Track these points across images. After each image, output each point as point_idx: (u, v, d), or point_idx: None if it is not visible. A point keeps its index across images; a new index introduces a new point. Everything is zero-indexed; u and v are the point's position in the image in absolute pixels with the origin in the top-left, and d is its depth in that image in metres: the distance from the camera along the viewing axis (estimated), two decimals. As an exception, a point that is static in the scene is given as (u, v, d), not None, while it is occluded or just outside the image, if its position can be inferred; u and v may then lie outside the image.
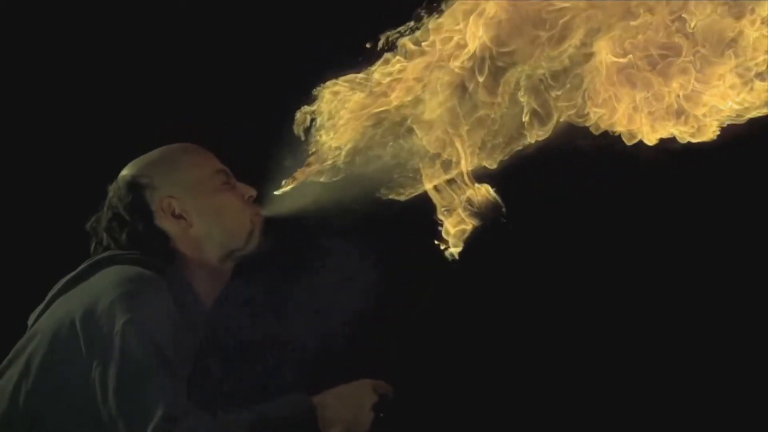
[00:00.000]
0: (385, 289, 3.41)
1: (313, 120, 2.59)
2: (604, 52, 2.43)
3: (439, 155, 2.55)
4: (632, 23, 2.41)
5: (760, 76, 2.40)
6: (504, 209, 2.55)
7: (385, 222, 2.80)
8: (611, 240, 3.65)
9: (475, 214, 2.55)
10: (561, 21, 2.42)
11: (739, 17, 2.38)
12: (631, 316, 3.67)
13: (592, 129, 2.48)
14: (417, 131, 2.55)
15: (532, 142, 2.50)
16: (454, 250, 2.54)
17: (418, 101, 2.54)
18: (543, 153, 2.53)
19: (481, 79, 2.48)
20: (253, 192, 2.65)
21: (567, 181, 3.33)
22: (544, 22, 2.43)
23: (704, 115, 2.45)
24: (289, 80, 2.90)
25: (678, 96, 2.44)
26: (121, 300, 2.34)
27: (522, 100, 2.47)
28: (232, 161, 2.68)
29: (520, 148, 2.52)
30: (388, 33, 2.54)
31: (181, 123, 3.22)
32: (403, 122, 2.56)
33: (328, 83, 2.59)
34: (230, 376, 2.63)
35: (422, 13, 2.52)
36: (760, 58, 2.39)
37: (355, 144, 2.56)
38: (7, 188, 3.72)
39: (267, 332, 3.39)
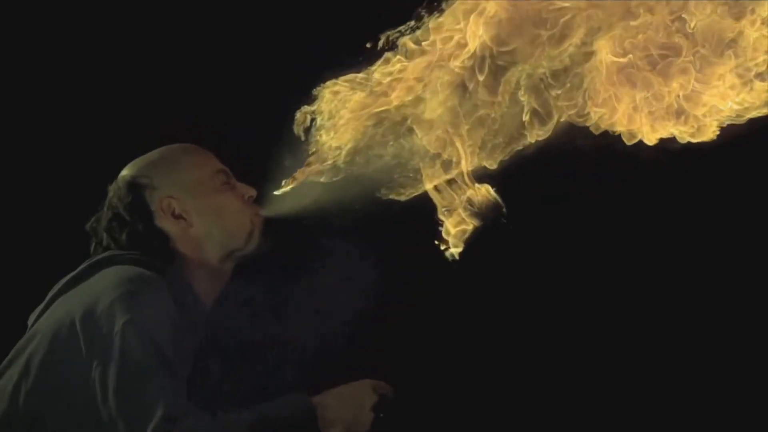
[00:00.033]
0: (385, 289, 3.42)
1: (313, 120, 2.59)
2: (605, 52, 2.43)
3: (439, 155, 2.55)
4: (632, 23, 2.41)
5: (759, 76, 2.40)
6: (504, 209, 2.55)
7: (386, 222, 2.80)
8: (611, 240, 3.65)
9: (475, 215, 2.54)
10: (561, 20, 2.42)
11: (739, 18, 2.38)
12: (632, 315, 3.67)
13: (592, 129, 2.48)
14: (417, 131, 2.55)
15: (533, 141, 2.50)
16: (454, 250, 2.54)
17: (418, 101, 2.54)
18: (543, 153, 2.53)
19: (481, 79, 2.48)
20: (253, 192, 2.65)
21: (567, 181, 3.33)
22: (544, 21, 2.43)
23: (704, 115, 2.45)
24: (289, 80, 2.90)
25: (678, 96, 2.44)
26: (121, 300, 2.34)
27: (522, 99, 2.47)
28: (232, 161, 2.68)
29: (520, 147, 2.52)
30: (389, 32, 2.54)
31: (181, 123, 3.22)
32: (404, 122, 2.56)
33: (328, 83, 2.59)
34: (230, 376, 2.63)
35: (423, 13, 2.52)
36: (760, 59, 2.39)
37: (356, 144, 2.56)
38: (7, 188, 3.72)
39: (267, 332, 3.39)
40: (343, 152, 2.57)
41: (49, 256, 3.15)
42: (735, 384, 3.62)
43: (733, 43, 2.39)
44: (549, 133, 2.49)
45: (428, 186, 2.57)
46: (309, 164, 2.60)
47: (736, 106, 2.42)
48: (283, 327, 3.45)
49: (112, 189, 2.60)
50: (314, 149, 2.60)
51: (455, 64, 2.50)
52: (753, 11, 2.37)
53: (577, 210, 3.57)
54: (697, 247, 3.63)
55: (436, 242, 2.55)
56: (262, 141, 2.71)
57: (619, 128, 2.48)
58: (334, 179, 2.59)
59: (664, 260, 3.65)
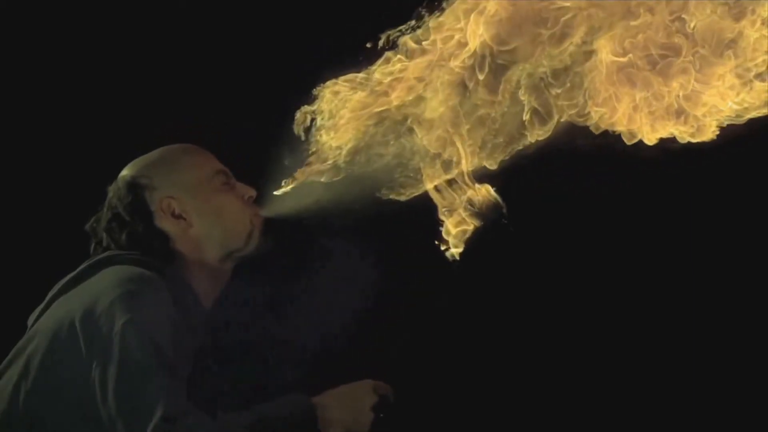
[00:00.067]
0: (385, 289, 3.42)
1: (313, 120, 2.59)
2: (605, 52, 2.43)
3: (439, 155, 2.55)
4: (632, 23, 2.41)
5: (759, 76, 2.40)
6: (505, 209, 2.55)
7: (386, 222, 2.80)
8: (611, 240, 3.65)
9: (476, 215, 2.54)
10: (562, 19, 2.42)
11: (738, 18, 2.38)
12: (632, 315, 3.67)
13: (592, 128, 2.48)
14: (417, 131, 2.55)
15: (533, 141, 2.50)
16: (454, 250, 2.54)
17: (418, 100, 2.54)
18: (543, 153, 2.53)
19: (481, 78, 2.48)
20: (252, 192, 2.65)
21: (567, 181, 3.33)
22: (545, 20, 2.43)
23: (704, 115, 2.45)
24: (289, 80, 2.90)
25: (678, 96, 2.44)
26: (121, 300, 2.34)
27: (523, 98, 2.47)
28: (232, 161, 2.68)
29: (520, 147, 2.52)
30: (389, 32, 2.54)
31: (181, 123, 3.22)
32: (404, 122, 2.55)
33: (328, 83, 2.59)
34: (230, 376, 2.63)
35: (423, 12, 2.52)
36: (760, 59, 2.39)
37: (356, 143, 2.56)
38: (7, 188, 3.72)
39: (267, 332, 3.40)
40: (344, 152, 2.57)
41: (49, 256, 3.15)
42: (735, 384, 3.62)
43: (732, 43, 2.39)
44: (549, 133, 2.49)
45: (428, 186, 2.57)
46: (309, 164, 2.60)
47: (735, 106, 2.42)
48: (283, 327, 3.45)
49: (111, 189, 2.60)
50: (314, 149, 2.60)
51: (456, 63, 2.50)
52: (753, 11, 2.37)
53: (577, 210, 3.57)
54: (697, 246, 3.63)
55: (437, 242, 2.55)
56: (262, 141, 2.70)
57: (619, 128, 2.48)
58: (335, 179, 2.58)
59: (664, 260, 3.65)
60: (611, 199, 3.50)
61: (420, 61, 2.53)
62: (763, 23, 2.38)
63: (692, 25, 2.39)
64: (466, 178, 2.55)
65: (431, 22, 2.52)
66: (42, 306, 2.51)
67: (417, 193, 2.59)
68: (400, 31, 2.54)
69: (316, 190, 2.61)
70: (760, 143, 2.79)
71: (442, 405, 3.66)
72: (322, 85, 2.59)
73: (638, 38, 2.42)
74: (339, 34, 3.17)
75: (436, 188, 2.57)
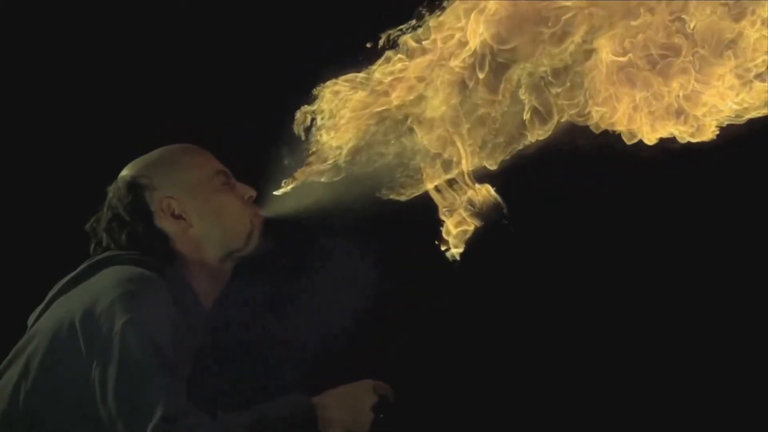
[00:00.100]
0: (385, 289, 3.42)
1: (313, 119, 2.59)
2: (605, 51, 2.43)
3: (439, 155, 2.55)
4: (633, 23, 2.41)
5: (759, 77, 2.40)
6: (505, 209, 2.55)
7: (386, 222, 2.80)
8: (611, 239, 3.65)
9: (476, 215, 2.54)
10: (562, 18, 2.42)
11: (738, 19, 2.38)
12: (632, 315, 3.67)
13: (592, 128, 2.48)
14: (417, 130, 2.54)
15: (533, 141, 2.50)
16: (455, 251, 2.54)
17: (419, 100, 2.54)
18: (543, 153, 2.53)
19: (481, 77, 2.48)
20: (252, 192, 2.65)
21: (567, 181, 3.33)
22: (545, 19, 2.43)
23: (704, 115, 2.45)
24: (289, 80, 2.90)
25: (678, 96, 2.44)
26: (121, 300, 2.34)
27: (523, 98, 2.47)
28: (232, 161, 2.68)
29: (520, 147, 2.52)
30: (390, 31, 2.54)
31: (181, 123, 3.22)
32: (404, 121, 2.55)
33: (328, 83, 2.59)
34: (230, 376, 2.63)
35: (423, 11, 2.52)
36: (760, 59, 2.39)
37: (356, 143, 2.56)
38: (7, 188, 3.72)
39: (267, 332, 3.40)
40: (344, 152, 2.57)
41: (49, 256, 3.15)
42: (735, 384, 3.62)
43: (732, 43, 2.39)
44: (549, 133, 2.49)
45: (429, 186, 2.57)
46: (309, 164, 2.60)
47: (735, 107, 2.42)
48: (283, 327, 3.45)
49: (111, 189, 2.60)
50: (314, 149, 2.60)
51: (456, 62, 2.49)
52: (753, 12, 2.38)
53: (577, 210, 3.57)
54: (697, 246, 3.63)
55: (437, 243, 2.55)
56: (262, 141, 2.70)
57: (619, 128, 2.48)
58: (335, 179, 2.58)
59: (664, 260, 3.65)
60: (611, 199, 3.50)
61: (420, 61, 2.53)
62: (763, 24, 2.38)
63: (692, 25, 2.39)
64: (467, 178, 2.55)
65: (431, 21, 2.51)
66: (42, 306, 2.51)
67: (417, 193, 2.59)
68: (401, 30, 2.54)
69: (316, 190, 2.61)
70: (760, 143, 2.79)
71: (442, 405, 3.66)
72: (322, 85, 2.59)
73: (638, 38, 2.42)
74: (339, 34, 3.17)
75: (437, 188, 2.57)
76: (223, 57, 3.70)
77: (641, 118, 2.46)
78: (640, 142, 2.48)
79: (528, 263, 3.65)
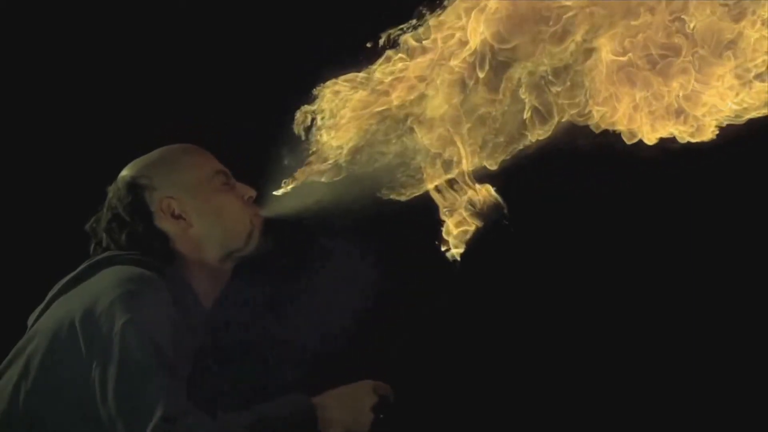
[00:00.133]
0: (385, 289, 3.42)
1: (313, 119, 2.59)
2: (605, 51, 2.43)
3: (440, 155, 2.55)
4: (633, 23, 2.41)
5: (759, 77, 2.40)
6: (506, 210, 2.55)
7: (386, 222, 2.79)
8: (612, 239, 3.65)
9: (477, 215, 2.54)
10: (563, 17, 2.42)
11: (738, 19, 2.39)
12: (632, 315, 3.67)
13: (593, 127, 2.48)
14: (418, 130, 2.54)
15: (533, 141, 2.50)
16: (455, 251, 2.54)
17: (419, 99, 2.54)
18: (543, 153, 2.53)
19: (482, 76, 2.48)
20: (252, 192, 2.65)
21: (567, 181, 3.33)
22: (546, 18, 2.43)
23: (703, 115, 2.45)
24: (289, 80, 2.90)
25: (678, 96, 2.44)
26: (121, 300, 2.34)
27: (523, 97, 2.47)
28: (232, 161, 2.68)
29: (521, 147, 2.52)
30: (390, 31, 2.54)
31: (181, 123, 3.22)
32: (405, 121, 2.55)
33: (328, 83, 2.59)
34: (230, 376, 2.63)
35: (424, 11, 2.52)
36: (759, 60, 2.39)
37: (357, 143, 2.56)
38: (7, 188, 3.72)
39: (267, 332, 3.39)
40: (344, 151, 2.57)
41: (49, 256, 3.15)
42: (735, 384, 3.62)
43: (732, 44, 2.39)
44: (550, 132, 2.49)
45: (429, 186, 2.57)
46: (309, 164, 2.60)
47: (735, 107, 2.42)
48: (283, 327, 3.45)
49: (111, 189, 2.60)
50: (315, 149, 2.60)
51: (456, 62, 2.49)
52: (754, 12, 2.38)
53: (578, 210, 3.57)
54: (697, 246, 3.63)
55: (437, 243, 2.55)
56: (262, 141, 2.70)
57: (619, 127, 2.48)
58: (335, 179, 2.58)
59: (664, 260, 3.65)
60: (611, 199, 3.50)
61: (421, 60, 2.53)
62: (763, 24, 2.38)
63: (692, 25, 2.40)
64: (467, 178, 2.55)
65: (432, 20, 2.51)
66: (42, 306, 2.51)
67: (417, 193, 2.58)
68: (401, 29, 2.54)
69: (317, 190, 2.61)
70: (760, 143, 2.79)
71: (442, 405, 3.66)
72: (322, 84, 2.59)
73: (638, 38, 2.42)
74: (339, 34, 3.17)
75: (437, 188, 2.57)
76: (223, 57, 3.70)
77: (641, 118, 2.46)
78: (640, 141, 2.49)
79: (528, 263, 3.65)
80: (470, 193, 2.55)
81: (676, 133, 2.47)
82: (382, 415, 2.49)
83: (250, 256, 2.61)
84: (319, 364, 3.41)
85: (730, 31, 2.38)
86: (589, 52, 2.45)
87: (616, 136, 2.50)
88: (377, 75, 2.55)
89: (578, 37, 2.43)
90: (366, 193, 2.58)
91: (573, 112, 2.47)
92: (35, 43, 3.74)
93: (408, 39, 2.53)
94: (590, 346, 3.66)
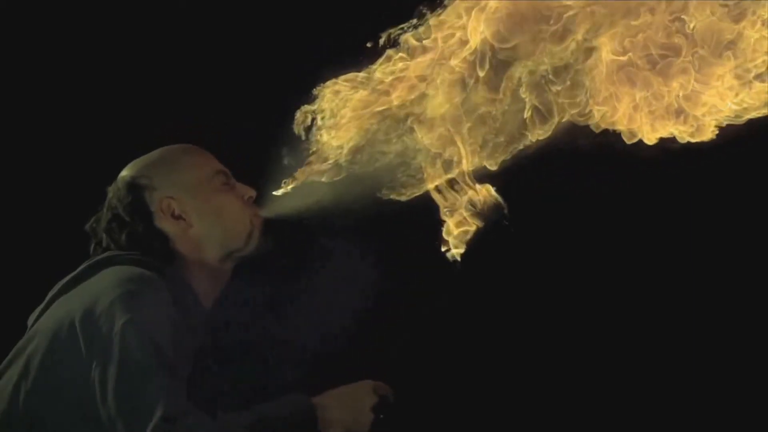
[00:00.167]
0: (385, 289, 3.42)
1: (313, 119, 2.59)
2: (605, 50, 2.43)
3: (440, 155, 2.55)
4: (633, 22, 2.41)
5: (759, 77, 2.40)
6: (506, 210, 2.55)
7: (387, 222, 2.79)
8: (612, 239, 3.65)
9: (477, 215, 2.54)
10: (564, 16, 2.42)
11: (738, 19, 2.39)
12: (632, 315, 3.67)
13: (593, 127, 2.49)
14: (418, 130, 2.54)
15: (534, 140, 2.50)
16: (455, 251, 2.54)
17: (420, 99, 2.54)
18: (544, 153, 2.53)
19: (482, 75, 2.48)
20: (252, 192, 2.65)
21: (567, 181, 3.33)
22: (546, 17, 2.43)
23: (703, 115, 2.45)
24: (289, 80, 2.90)
25: (678, 96, 2.44)
26: (121, 300, 2.34)
27: (524, 96, 2.47)
28: (232, 161, 2.68)
29: (521, 147, 2.52)
30: (391, 30, 2.54)
31: (181, 123, 3.22)
32: (405, 120, 2.55)
33: (328, 82, 2.59)
34: (230, 376, 2.63)
35: (424, 10, 2.52)
36: (759, 60, 2.39)
37: (357, 143, 2.56)
38: (7, 188, 3.72)
39: (267, 332, 3.39)
40: (345, 151, 2.57)
41: (49, 256, 3.15)
42: (735, 384, 3.62)
43: (732, 44, 2.39)
44: (550, 132, 2.48)
45: (429, 186, 2.57)
46: (310, 164, 2.60)
47: (735, 107, 2.42)
48: (283, 327, 3.45)
49: (111, 190, 2.60)
50: (315, 149, 2.59)
51: (457, 61, 2.49)
52: (754, 12, 2.38)
53: (578, 210, 3.57)
54: (697, 246, 3.63)
55: (437, 243, 2.55)
56: (262, 141, 2.70)
57: (619, 127, 2.48)
58: (335, 179, 2.58)
59: (664, 260, 3.65)
60: (611, 199, 3.50)
61: (421, 60, 2.53)
62: (763, 24, 2.38)
63: (692, 25, 2.40)
64: (467, 178, 2.55)
65: (432, 19, 2.51)
66: (42, 306, 2.51)
67: (418, 193, 2.58)
68: (402, 29, 2.54)
69: (317, 190, 2.61)
70: (760, 143, 2.79)
71: (442, 405, 3.66)
72: (322, 84, 2.59)
73: (638, 38, 2.42)
74: (339, 33, 3.17)
75: (437, 188, 2.57)
76: (223, 57, 3.69)
77: (641, 118, 2.46)
78: (640, 141, 2.49)
79: (528, 263, 3.65)
80: (470, 193, 2.55)
81: (676, 133, 2.47)
82: (382, 415, 2.49)
83: (250, 256, 2.61)
84: (319, 364, 3.41)
85: (730, 31, 2.38)
86: (590, 51, 2.45)
87: (616, 135, 2.50)
88: (377, 74, 2.55)
89: (579, 36, 2.43)
90: (366, 193, 2.58)
91: (573, 111, 2.47)
92: (35, 43, 3.74)
93: (408, 38, 2.53)
94: (590, 345, 3.66)
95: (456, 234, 2.54)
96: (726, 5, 2.39)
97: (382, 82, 2.54)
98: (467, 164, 2.53)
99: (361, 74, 2.57)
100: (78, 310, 2.36)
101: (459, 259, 2.54)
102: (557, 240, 3.65)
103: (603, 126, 2.48)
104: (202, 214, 2.57)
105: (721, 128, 2.45)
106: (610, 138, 2.50)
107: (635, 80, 2.44)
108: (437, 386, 3.63)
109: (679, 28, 2.41)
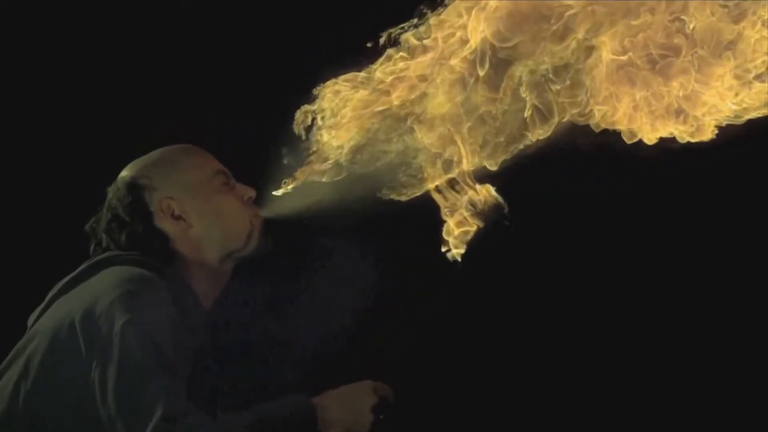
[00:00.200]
0: (385, 289, 3.42)
1: (313, 119, 2.59)
2: (605, 50, 2.43)
3: (440, 154, 2.55)
4: (633, 22, 2.41)
5: (759, 77, 2.40)
6: (506, 210, 2.55)
7: (387, 222, 2.79)
8: (612, 239, 3.65)
9: (477, 215, 2.54)
10: (564, 15, 2.42)
11: (738, 20, 2.39)
12: (632, 315, 3.67)
13: (593, 127, 2.49)
14: (418, 130, 2.54)
15: (534, 140, 2.50)
16: (456, 251, 2.54)
17: (420, 99, 2.54)
18: (544, 152, 2.53)
19: (482, 75, 2.48)
20: (252, 193, 2.65)
21: (567, 181, 3.33)
22: (546, 17, 2.43)
23: (703, 115, 2.45)
24: (289, 80, 2.90)
25: (678, 96, 2.44)
26: (121, 300, 2.34)
27: (524, 96, 2.47)
28: (232, 161, 2.68)
29: (521, 147, 2.52)
30: (391, 30, 2.54)
31: (181, 123, 3.22)
32: (405, 120, 2.55)
33: (328, 82, 2.59)
34: (230, 376, 2.63)
35: (425, 9, 2.52)
36: (759, 60, 2.39)
37: (357, 142, 2.56)
38: (7, 188, 3.72)
39: (267, 332, 3.39)
40: (345, 151, 2.57)
41: (49, 257, 3.15)
42: (735, 384, 3.62)
43: (732, 44, 2.39)
44: (550, 132, 2.48)
45: (430, 186, 2.57)
46: (310, 164, 2.60)
47: (734, 107, 2.42)
48: (283, 327, 3.45)
49: (111, 190, 2.60)
50: (315, 148, 2.59)
51: (457, 61, 2.49)
52: (754, 13, 2.38)
53: (578, 210, 3.57)
54: (697, 246, 3.63)
55: (438, 243, 2.55)
56: (262, 141, 2.70)
57: (619, 127, 2.48)
58: (335, 179, 2.58)
59: (664, 260, 3.65)
60: (611, 199, 3.50)
61: (422, 59, 2.53)
62: (763, 25, 2.38)
63: (692, 26, 2.40)
64: (467, 178, 2.55)
65: (433, 19, 2.51)
66: (42, 306, 2.51)
67: (418, 193, 2.58)
68: (402, 28, 2.54)
69: (317, 190, 2.61)
70: (760, 143, 2.79)
71: (442, 405, 3.66)
72: (322, 84, 2.59)
73: (638, 37, 2.42)
74: (339, 33, 3.17)
75: (438, 188, 2.57)
76: (223, 57, 3.70)
77: (641, 118, 2.46)
78: (640, 141, 2.49)
79: (529, 264, 3.65)
80: (471, 193, 2.55)
81: (676, 133, 2.47)
82: (382, 416, 2.49)
83: (250, 256, 2.61)
84: (319, 364, 3.41)
85: (729, 31, 2.39)
86: (590, 50, 2.45)
87: (616, 135, 2.50)
88: (378, 74, 2.55)
89: (579, 36, 2.43)
90: (366, 193, 2.58)
91: (574, 111, 2.47)
92: (35, 43, 3.74)
93: (409, 38, 2.53)
94: (590, 345, 3.66)
95: (456, 234, 2.54)
96: (726, 5, 2.39)
97: (382, 81, 2.54)
98: (467, 164, 2.53)
99: (362, 74, 2.57)
100: (78, 310, 2.36)
101: (459, 259, 2.54)
102: (557, 240, 3.65)
103: (603, 126, 2.48)
104: (202, 214, 2.57)
105: (721, 128, 2.45)
106: (610, 138, 2.50)
107: (635, 80, 2.44)
108: (437, 386, 3.63)
109: (679, 28, 2.41)
